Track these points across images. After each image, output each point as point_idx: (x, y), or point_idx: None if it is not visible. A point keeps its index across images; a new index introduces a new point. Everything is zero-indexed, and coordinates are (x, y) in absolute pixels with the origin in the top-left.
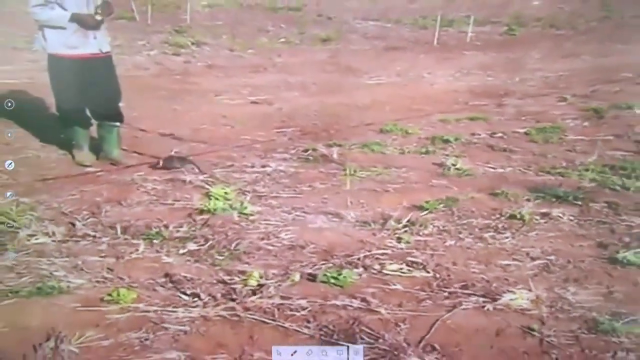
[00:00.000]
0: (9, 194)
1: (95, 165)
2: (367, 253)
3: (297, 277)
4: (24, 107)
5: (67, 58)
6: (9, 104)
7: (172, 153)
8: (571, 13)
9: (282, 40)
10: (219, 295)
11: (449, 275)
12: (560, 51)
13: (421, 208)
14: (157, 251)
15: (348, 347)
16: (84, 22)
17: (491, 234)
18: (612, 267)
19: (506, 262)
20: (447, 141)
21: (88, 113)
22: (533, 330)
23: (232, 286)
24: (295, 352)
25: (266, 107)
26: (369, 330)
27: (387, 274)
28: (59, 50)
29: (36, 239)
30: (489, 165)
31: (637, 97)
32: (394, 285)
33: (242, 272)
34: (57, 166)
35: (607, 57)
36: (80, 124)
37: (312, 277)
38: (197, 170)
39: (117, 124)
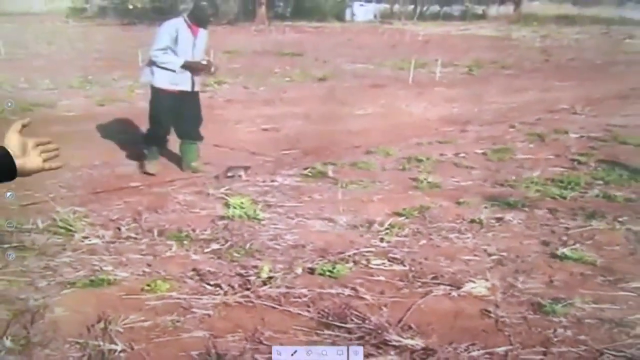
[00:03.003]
0: (8, 194)
1: (163, 175)
2: (356, 251)
3: (299, 270)
4: (82, 132)
5: (168, 92)
6: (9, 104)
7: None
8: (519, 57)
9: (288, 79)
10: (236, 286)
11: (422, 268)
12: (510, 87)
13: (399, 214)
14: (187, 250)
15: (348, 347)
16: (194, 68)
17: (456, 234)
18: (553, 261)
19: (468, 257)
20: (420, 160)
21: (167, 135)
22: (490, 312)
23: (247, 278)
24: (295, 352)
25: (275, 133)
26: (357, 313)
27: (372, 268)
28: (163, 85)
29: (89, 240)
30: (454, 180)
31: (573, 124)
32: (378, 276)
33: (255, 267)
34: (107, 181)
35: (548, 92)
36: (160, 144)
37: (312, 271)
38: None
39: (197, 142)
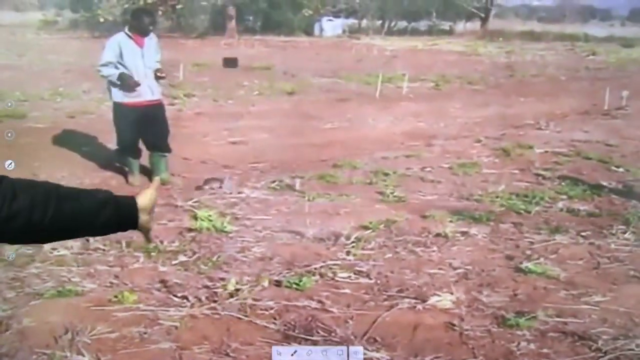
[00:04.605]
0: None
1: (146, 187)
2: (323, 264)
3: (266, 283)
4: (51, 144)
5: (127, 105)
6: (9, 104)
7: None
8: (484, 72)
9: (256, 92)
10: (203, 298)
11: (387, 282)
12: (476, 102)
13: (366, 227)
14: (154, 262)
15: (348, 347)
16: (124, 81)
17: (421, 248)
18: (517, 275)
19: (433, 270)
20: (386, 174)
21: (140, 146)
22: (454, 325)
23: (214, 290)
24: (295, 352)
25: (242, 147)
26: (323, 326)
27: (338, 281)
28: (121, 99)
29: (57, 251)
30: (420, 193)
31: (537, 139)
32: (344, 289)
33: (222, 279)
34: None
35: (512, 107)
36: (134, 155)
37: (278, 283)
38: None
39: (166, 154)
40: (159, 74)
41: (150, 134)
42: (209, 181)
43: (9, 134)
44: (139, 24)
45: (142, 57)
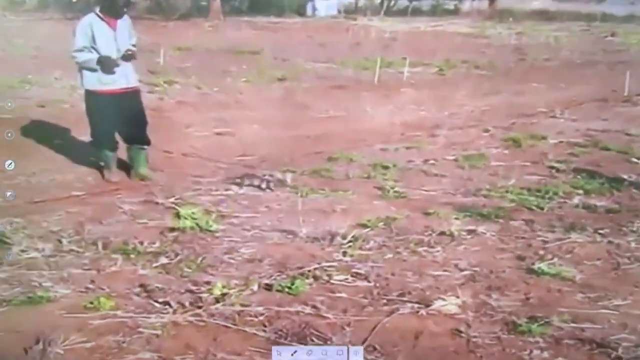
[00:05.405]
0: (9, 193)
1: (124, 183)
2: (317, 265)
3: (255, 286)
4: (19, 137)
5: (100, 93)
6: (9, 104)
7: None
8: (493, 56)
9: (244, 79)
10: (187, 303)
11: (387, 284)
12: (483, 89)
13: (364, 226)
14: (133, 264)
15: (348, 347)
16: (103, 64)
17: (424, 248)
18: (529, 277)
19: (437, 272)
20: (386, 167)
21: (116, 139)
22: (461, 332)
23: (199, 295)
24: (295, 352)
25: (229, 138)
26: (318, 333)
27: (334, 284)
28: (94, 87)
29: (27, 254)
30: (423, 188)
31: (550, 129)
32: (340, 293)
33: (207, 283)
34: (46, 190)
35: (523, 94)
36: (110, 148)
37: (269, 287)
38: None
39: (145, 146)
40: (126, 52)
41: (126, 124)
42: (248, 177)
43: (9, 134)
44: (111, 4)
45: (114, 40)
